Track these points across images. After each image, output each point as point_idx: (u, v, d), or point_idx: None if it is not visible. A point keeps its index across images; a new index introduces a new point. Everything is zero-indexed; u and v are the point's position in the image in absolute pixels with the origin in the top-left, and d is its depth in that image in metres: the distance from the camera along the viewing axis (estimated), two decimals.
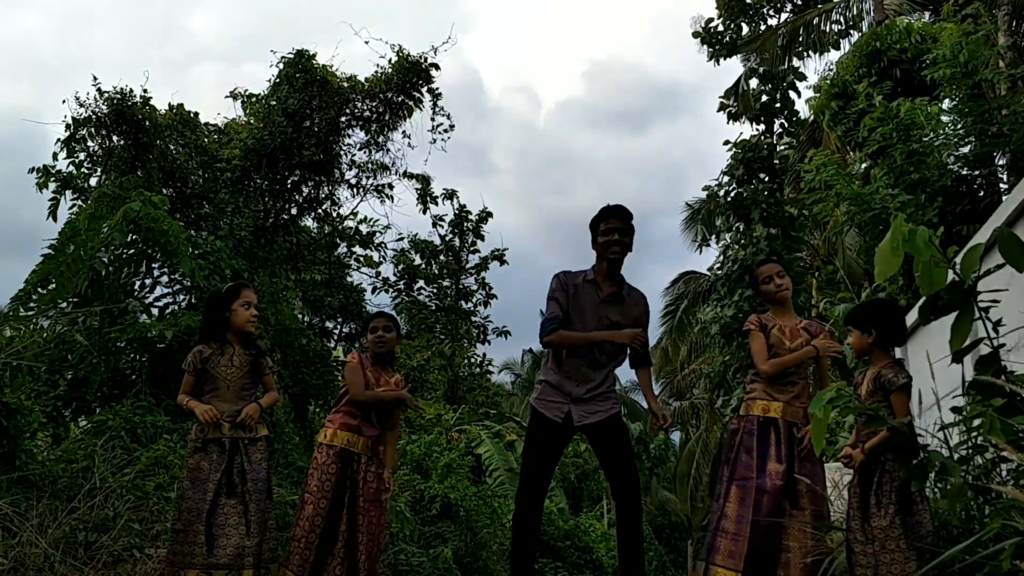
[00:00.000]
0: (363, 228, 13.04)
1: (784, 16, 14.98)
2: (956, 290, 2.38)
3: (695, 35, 14.57)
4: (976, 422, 2.67)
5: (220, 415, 4.17)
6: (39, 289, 7.00)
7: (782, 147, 13.00)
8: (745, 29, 14.66)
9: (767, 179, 12.56)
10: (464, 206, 15.19)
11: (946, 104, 9.79)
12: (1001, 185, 9.30)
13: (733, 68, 14.70)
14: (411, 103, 11.46)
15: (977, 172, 9.31)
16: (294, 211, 11.50)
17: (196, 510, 4.06)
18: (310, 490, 4.40)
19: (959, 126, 9.31)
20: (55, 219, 9.41)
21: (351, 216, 12.60)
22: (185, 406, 4.25)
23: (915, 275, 2.48)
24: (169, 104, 10.99)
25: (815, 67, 37.96)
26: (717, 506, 4.39)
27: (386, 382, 4.65)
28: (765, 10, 14.63)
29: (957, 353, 2.61)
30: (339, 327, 15.62)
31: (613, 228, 4.49)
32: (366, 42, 11.32)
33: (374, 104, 11.33)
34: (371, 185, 12.12)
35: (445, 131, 11.89)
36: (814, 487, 4.27)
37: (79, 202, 9.62)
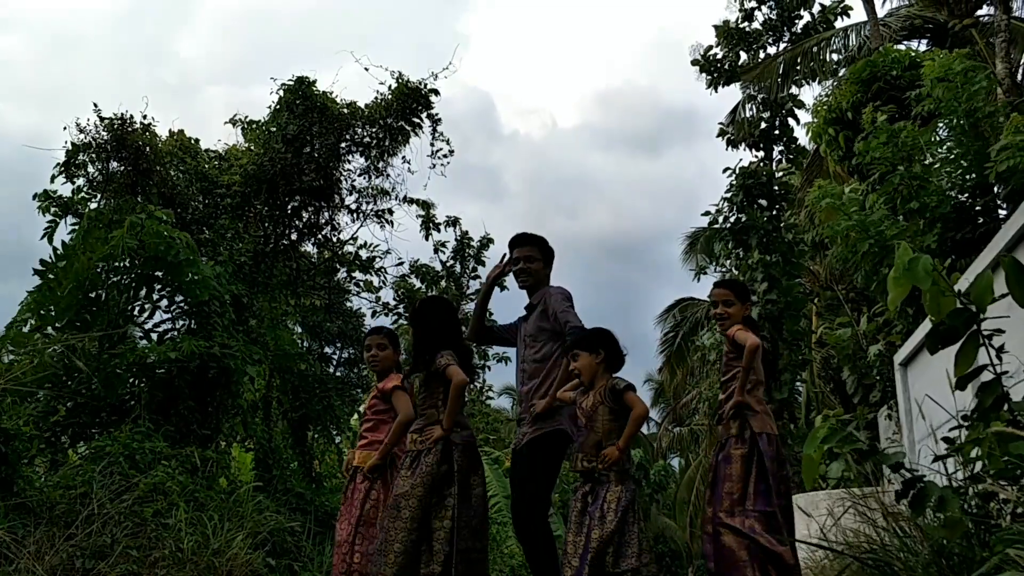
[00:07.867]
0: (363, 253, 13.04)
1: (783, 45, 15.11)
2: (960, 316, 2.38)
3: (694, 63, 14.69)
4: (973, 452, 2.65)
5: None
6: (39, 312, 6.97)
7: (781, 173, 13.07)
8: (743, 57, 14.79)
9: (766, 205, 12.63)
10: (466, 232, 15.25)
11: (944, 133, 9.81)
12: (1000, 211, 9.31)
13: (740, 95, 14.94)
14: (410, 129, 11.47)
15: (975, 200, 9.32)
16: (294, 236, 11.49)
17: None
18: None
19: (953, 157, 9.33)
20: (51, 242, 9.34)
21: (351, 241, 12.60)
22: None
23: (923, 303, 2.48)
24: (170, 130, 11.02)
25: (813, 95, 38.35)
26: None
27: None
28: (764, 38, 14.76)
29: (961, 379, 2.60)
30: (338, 352, 15.59)
31: (516, 258, 4.75)
32: (366, 69, 11.22)
33: (373, 130, 11.34)
34: (371, 210, 12.11)
35: (445, 156, 11.90)
36: None
37: (77, 226, 9.58)
